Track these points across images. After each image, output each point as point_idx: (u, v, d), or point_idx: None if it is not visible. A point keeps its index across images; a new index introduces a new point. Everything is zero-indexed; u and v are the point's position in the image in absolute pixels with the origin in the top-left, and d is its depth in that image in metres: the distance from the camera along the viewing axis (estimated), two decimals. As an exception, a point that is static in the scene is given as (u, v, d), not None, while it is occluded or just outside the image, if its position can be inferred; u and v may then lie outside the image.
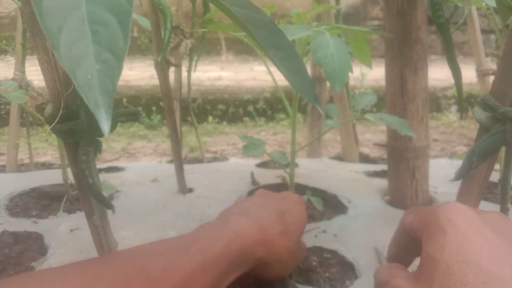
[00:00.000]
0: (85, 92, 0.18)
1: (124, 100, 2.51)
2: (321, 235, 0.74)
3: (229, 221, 0.42)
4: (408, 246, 0.38)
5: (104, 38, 0.19)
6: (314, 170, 1.10)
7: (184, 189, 0.91)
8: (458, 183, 0.46)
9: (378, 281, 0.37)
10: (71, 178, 0.66)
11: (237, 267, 0.41)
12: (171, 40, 0.88)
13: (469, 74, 1.34)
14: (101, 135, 0.40)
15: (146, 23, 0.88)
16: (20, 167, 1.20)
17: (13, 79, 0.88)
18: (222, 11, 0.31)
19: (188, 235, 0.42)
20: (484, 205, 0.85)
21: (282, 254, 0.43)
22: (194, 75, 1.10)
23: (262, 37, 0.31)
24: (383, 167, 1.12)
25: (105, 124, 0.18)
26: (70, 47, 0.19)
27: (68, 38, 0.19)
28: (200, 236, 0.40)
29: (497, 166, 0.99)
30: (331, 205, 0.87)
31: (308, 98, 0.34)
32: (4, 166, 1.16)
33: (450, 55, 0.60)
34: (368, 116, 0.67)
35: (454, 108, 2.78)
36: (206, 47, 1.03)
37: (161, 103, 2.29)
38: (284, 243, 0.43)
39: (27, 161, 1.27)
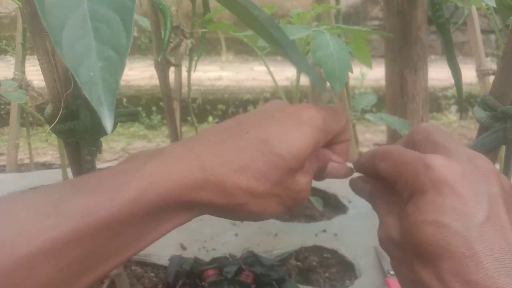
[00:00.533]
0: (88, 90, 0.18)
1: (124, 100, 2.51)
2: (321, 234, 0.74)
3: (152, 160, 0.29)
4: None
5: (106, 35, 0.19)
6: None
7: (184, 189, 0.91)
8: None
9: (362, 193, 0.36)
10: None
11: (163, 219, 0.30)
12: (171, 40, 0.88)
13: (469, 74, 1.34)
14: (105, 134, 0.40)
15: (146, 23, 0.88)
16: (20, 167, 1.20)
17: (13, 79, 0.88)
18: (226, 7, 0.31)
19: (71, 182, 0.28)
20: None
21: (242, 198, 0.31)
22: (194, 75, 1.10)
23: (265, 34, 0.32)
24: (383, 167, 1.12)
25: (108, 122, 0.18)
26: (73, 45, 0.19)
27: (70, 36, 0.19)
28: (92, 186, 0.27)
29: (497, 166, 0.99)
30: (331, 205, 0.87)
31: (320, 88, 0.37)
32: (4, 166, 1.16)
33: (450, 55, 0.60)
34: (368, 116, 0.68)
35: (454, 108, 2.78)
36: (206, 47, 1.03)
37: (161, 103, 2.30)
38: (242, 183, 0.30)
39: (27, 161, 1.27)
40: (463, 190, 0.26)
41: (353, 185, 0.37)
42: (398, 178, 0.30)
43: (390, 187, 0.32)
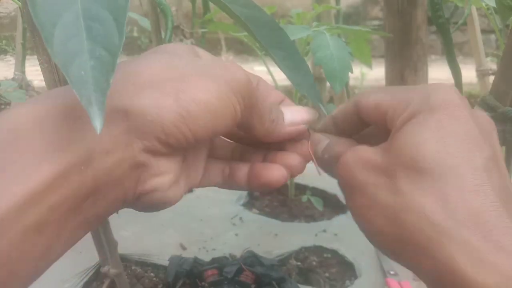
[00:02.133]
0: (78, 89, 0.18)
1: (124, 100, 2.50)
2: (321, 234, 0.74)
3: None
4: (350, 127, 0.31)
5: (99, 34, 0.19)
6: (314, 170, 1.10)
7: (184, 189, 0.91)
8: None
9: (326, 151, 0.31)
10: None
11: None
12: (171, 40, 0.88)
13: (469, 74, 1.34)
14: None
15: (146, 23, 0.88)
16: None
17: (13, 79, 0.89)
18: (223, 10, 0.31)
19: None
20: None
21: None
22: (194, 75, 1.10)
23: (262, 36, 0.32)
24: (383, 167, 1.12)
25: (97, 121, 0.18)
26: (64, 43, 0.19)
27: (62, 34, 0.19)
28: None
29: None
30: (331, 205, 0.87)
31: (310, 97, 0.34)
32: (4, 166, 1.15)
33: (450, 55, 0.60)
34: (368, 116, 0.67)
35: (454, 108, 2.77)
36: (206, 47, 1.03)
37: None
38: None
39: (27, 161, 1.27)
40: (474, 123, 0.24)
41: (325, 124, 0.32)
42: (396, 100, 0.26)
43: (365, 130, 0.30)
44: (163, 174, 0.25)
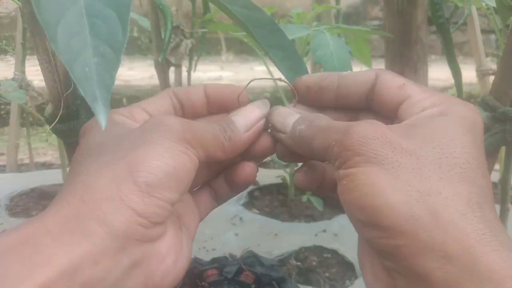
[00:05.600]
0: (82, 85, 0.18)
1: (124, 100, 2.51)
2: (321, 234, 0.74)
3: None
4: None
5: (103, 31, 0.19)
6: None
7: (184, 189, 0.91)
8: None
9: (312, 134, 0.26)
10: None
11: None
12: (171, 40, 0.88)
13: (469, 74, 1.34)
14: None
15: (146, 23, 0.88)
16: (20, 167, 1.20)
17: (13, 79, 0.89)
18: (222, 10, 0.32)
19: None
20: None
21: None
22: (194, 75, 1.10)
23: (262, 36, 0.32)
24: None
25: (102, 117, 0.18)
26: (68, 40, 0.19)
27: (66, 31, 0.19)
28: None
29: (497, 166, 0.99)
30: (331, 204, 0.87)
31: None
32: (4, 166, 1.16)
33: (450, 55, 0.60)
34: (368, 116, 0.68)
35: (454, 108, 2.77)
36: (206, 47, 1.03)
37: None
38: None
39: (27, 161, 1.27)
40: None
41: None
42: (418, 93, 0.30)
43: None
44: (167, 255, 0.26)
